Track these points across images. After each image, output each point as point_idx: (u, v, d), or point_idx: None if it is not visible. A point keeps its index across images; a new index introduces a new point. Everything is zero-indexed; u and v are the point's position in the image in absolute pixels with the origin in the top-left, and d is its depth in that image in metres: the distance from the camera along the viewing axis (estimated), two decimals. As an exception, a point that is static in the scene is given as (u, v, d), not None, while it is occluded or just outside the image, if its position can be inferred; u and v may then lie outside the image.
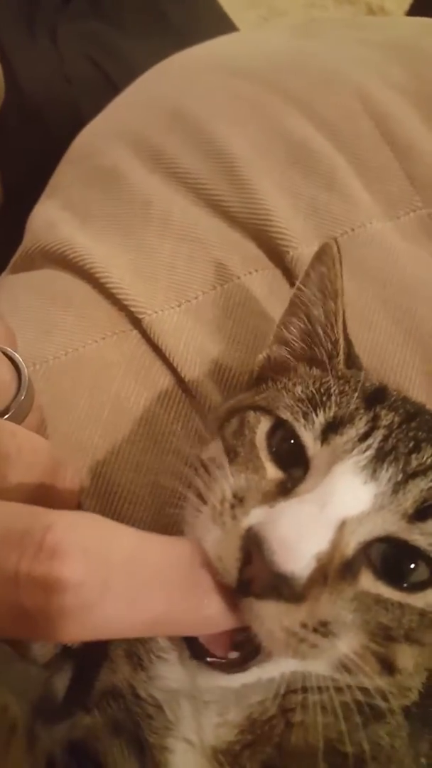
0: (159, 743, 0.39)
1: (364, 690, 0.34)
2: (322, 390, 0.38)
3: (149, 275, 0.51)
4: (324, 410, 0.36)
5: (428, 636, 0.33)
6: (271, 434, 0.37)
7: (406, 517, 0.32)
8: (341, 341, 0.41)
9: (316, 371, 0.41)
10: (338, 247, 0.41)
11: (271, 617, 0.30)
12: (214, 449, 0.39)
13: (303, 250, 0.51)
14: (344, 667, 0.33)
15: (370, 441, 0.34)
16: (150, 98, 0.65)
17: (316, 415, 0.36)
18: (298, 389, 0.38)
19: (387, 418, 0.36)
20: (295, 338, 0.43)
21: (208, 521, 0.33)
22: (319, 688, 0.34)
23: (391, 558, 0.32)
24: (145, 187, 0.56)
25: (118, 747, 0.39)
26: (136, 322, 0.50)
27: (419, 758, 0.38)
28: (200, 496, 0.36)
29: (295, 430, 0.36)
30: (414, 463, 0.34)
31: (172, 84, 0.65)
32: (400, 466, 0.33)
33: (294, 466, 0.35)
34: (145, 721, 0.40)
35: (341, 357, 0.41)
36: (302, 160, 0.54)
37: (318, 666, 0.33)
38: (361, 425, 0.35)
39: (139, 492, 0.45)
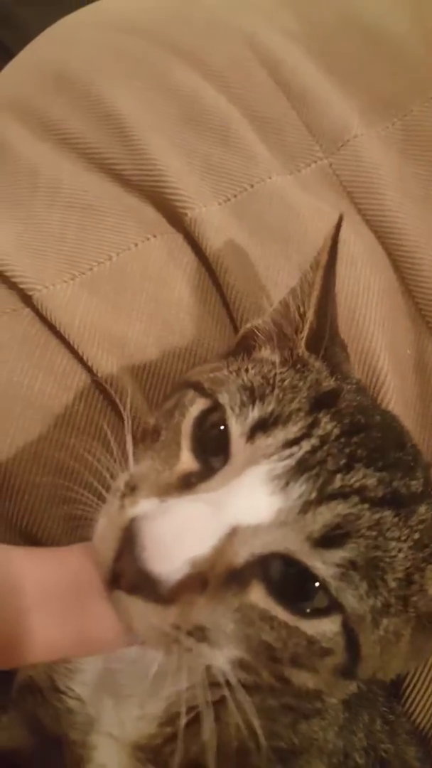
0: (81, 739, 0.37)
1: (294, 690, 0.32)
2: (270, 380, 0.34)
3: (38, 248, 0.47)
4: (262, 404, 0.32)
5: (319, 665, 0.31)
6: (202, 419, 0.34)
7: (311, 541, 0.29)
8: (309, 315, 0.36)
9: (275, 356, 0.37)
10: (341, 218, 0.38)
11: (138, 614, 0.28)
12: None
13: (200, 210, 0.49)
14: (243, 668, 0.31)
15: (294, 449, 0.30)
16: (36, 64, 0.60)
17: (253, 407, 0.32)
18: (249, 374, 0.35)
19: (326, 427, 0.32)
20: (280, 314, 0.40)
21: (103, 511, 0.31)
22: (247, 687, 0.31)
23: (290, 577, 0.29)
24: (33, 155, 0.53)
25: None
26: (26, 299, 0.46)
27: (354, 736, 0.37)
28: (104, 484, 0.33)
29: (226, 419, 0.32)
30: (337, 483, 0.30)
31: (58, 47, 0.60)
32: (318, 484, 0.30)
33: (216, 455, 0.32)
34: (65, 716, 0.38)
35: (305, 333, 0.36)
36: (194, 115, 0.51)
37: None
38: (293, 429, 0.31)
39: (39, 482, 0.42)
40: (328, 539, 0.29)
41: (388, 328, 0.47)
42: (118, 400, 0.44)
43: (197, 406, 0.34)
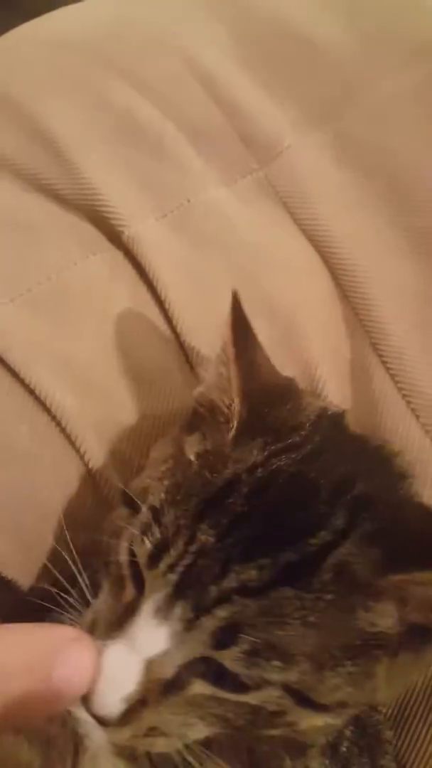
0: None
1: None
2: (171, 493, 0.33)
3: None
4: (159, 526, 0.32)
5: (276, 725, 0.32)
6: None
7: (211, 646, 0.31)
8: (236, 405, 0.35)
9: (200, 446, 0.36)
10: (235, 295, 0.38)
11: (99, 738, 0.33)
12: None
13: (137, 228, 0.49)
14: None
15: (171, 576, 0.31)
16: None
17: (150, 534, 0.32)
18: (166, 483, 0.34)
19: (203, 537, 0.31)
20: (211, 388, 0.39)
21: None
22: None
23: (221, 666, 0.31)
24: None
25: None
26: None
27: None
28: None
29: (133, 546, 0.33)
30: (212, 593, 0.30)
31: None
32: (193, 602, 0.31)
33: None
34: None
35: (233, 429, 0.35)
36: (129, 131, 0.52)
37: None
38: (173, 554, 0.31)
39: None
40: (221, 642, 0.30)
41: (328, 335, 0.47)
42: (62, 424, 0.44)
43: (131, 527, 0.34)
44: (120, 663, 0.31)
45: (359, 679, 0.32)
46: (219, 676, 0.31)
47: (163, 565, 0.32)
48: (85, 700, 0.30)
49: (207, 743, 0.34)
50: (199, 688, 0.31)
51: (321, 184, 0.50)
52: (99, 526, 0.38)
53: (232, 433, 0.35)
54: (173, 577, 0.31)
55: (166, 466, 0.36)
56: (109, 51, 0.55)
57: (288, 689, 0.31)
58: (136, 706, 0.31)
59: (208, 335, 0.47)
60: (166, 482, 0.34)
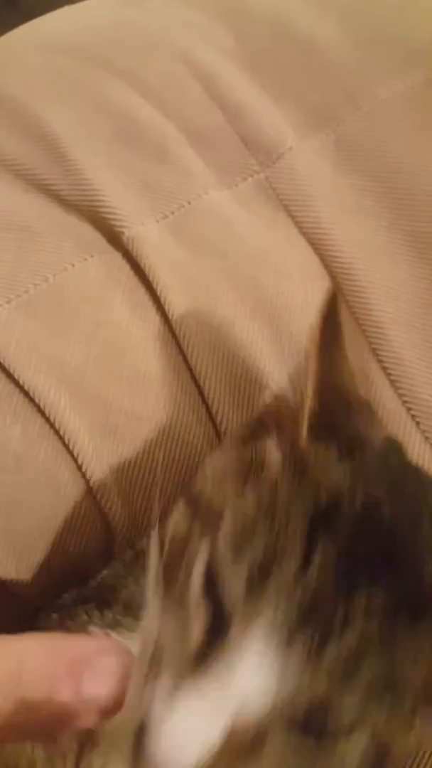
0: None
1: None
2: (264, 502, 0.28)
3: None
4: (257, 541, 0.27)
5: None
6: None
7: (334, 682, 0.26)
8: (308, 396, 0.31)
9: (278, 453, 0.32)
10: (336, 298, 0.34)
11: None
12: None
13: (138, 229, 0.48)
14: None
15: (295, 592, 0.26)
16: None
17: (244, 551, 0.27)
18: (248, 497, 0.29)
19: (322, 551, 0.27)
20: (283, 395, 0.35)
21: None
22: None
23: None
24: None
25: None
26: None
27: None
28: None
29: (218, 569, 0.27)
30: (339, 615, 0.26)
31: None
32: (316, 628, 0.26)
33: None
34: None
35: (305, 420, 0.31)
36: (129, 132, 0.51)
37: None
38: (289, 568, 0.26)
39: None
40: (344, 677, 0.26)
41: None
42: (56, 426, 0.43)
43: (202, 553, 0.28)
44: (197, 719, 0.25)
45: None
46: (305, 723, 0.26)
47: (272, 584, 0.26)
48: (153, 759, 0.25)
49: None
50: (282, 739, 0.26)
51: (322, 187, 0.49)
52: (93, 531, 0.38)
53: (304, 427, 0.31)
54: (296, 594, 0.26)
55: (238, 480, 0.32)
56: (109, 53, 0.55)
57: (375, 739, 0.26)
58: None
59: (208, 339, 0.46)
60: (245, 500, 0.30)
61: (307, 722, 0.25)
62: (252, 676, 0.25)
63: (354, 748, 0.26)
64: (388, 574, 0.27)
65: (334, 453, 0.31)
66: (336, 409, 0.33)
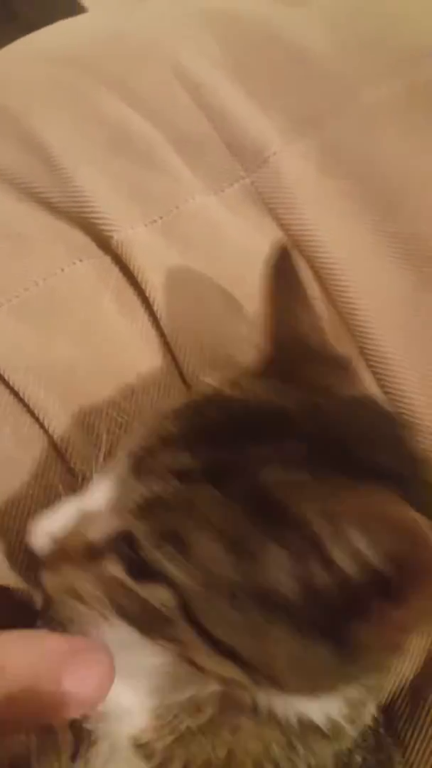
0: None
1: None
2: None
3: None
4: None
5: (166, 636, 0.32)
6: None
7: (135, 516, 0.32)
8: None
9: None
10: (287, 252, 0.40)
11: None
12: None
13: (127, 232, 0.49)
14: None
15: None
16: None
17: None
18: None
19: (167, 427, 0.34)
20: None
21: None
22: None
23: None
24: None
25: None
26: None
27: None
28: None
29: None
30: (149, 464, 0.34)
31: None
32: (134, 463, 0.34)
33: None
34: None
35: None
36: (120, 142, 0.53)
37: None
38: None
39: None
40: (142, 515, 0.32)
41: None
42: (43, 424, 0.44)
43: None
44: (65, 506, 0.35)
45: (258, 635, 0.30)
46: (132, 564, 0.32)
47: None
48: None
49: None
50: (113, 568, 0.32)
51: (307, 190, 0.50)
52: None
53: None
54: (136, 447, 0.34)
55: None
56: (102, 64, 0.57)
57: (178, 593, 0.30)
58: (60, 554, 0.34)
59: (196, 337, 0.47)
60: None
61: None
62: (94, 490, 0.34)
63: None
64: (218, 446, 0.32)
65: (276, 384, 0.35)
66: (293, 357, 0.36)
